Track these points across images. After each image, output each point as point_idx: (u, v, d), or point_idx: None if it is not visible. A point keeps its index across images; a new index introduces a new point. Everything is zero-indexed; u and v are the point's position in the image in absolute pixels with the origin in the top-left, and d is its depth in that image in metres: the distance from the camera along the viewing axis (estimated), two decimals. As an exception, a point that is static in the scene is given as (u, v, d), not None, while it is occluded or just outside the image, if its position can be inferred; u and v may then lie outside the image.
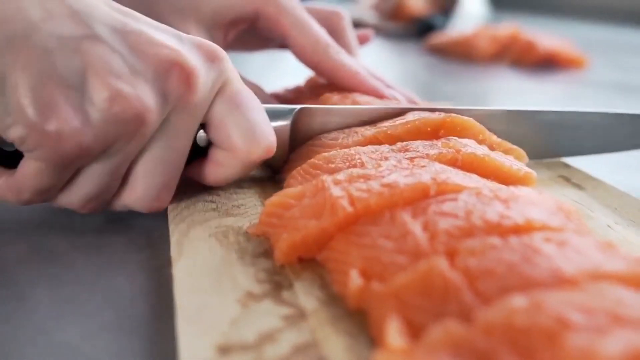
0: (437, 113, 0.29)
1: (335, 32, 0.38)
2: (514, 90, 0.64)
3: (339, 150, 0.26)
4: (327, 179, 0.22)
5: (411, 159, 0.24)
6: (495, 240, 0.18)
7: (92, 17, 0.21)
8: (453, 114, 0.28)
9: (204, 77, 0.23)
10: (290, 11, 0.34)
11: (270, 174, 0.29)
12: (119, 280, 0.23)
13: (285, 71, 0.41)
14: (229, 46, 0.37)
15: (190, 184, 0.27)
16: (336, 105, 0.31)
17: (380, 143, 0.27)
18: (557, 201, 0.22)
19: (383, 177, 0.22)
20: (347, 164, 0.25)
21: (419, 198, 0.21)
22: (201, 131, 0.25)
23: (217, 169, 0.25)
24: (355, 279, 0.18)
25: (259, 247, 0.23)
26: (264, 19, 0.35)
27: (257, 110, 0.25)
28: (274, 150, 0.25)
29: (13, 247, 0.25)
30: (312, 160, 0.26)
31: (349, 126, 0.29)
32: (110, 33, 0.21)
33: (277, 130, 0.27)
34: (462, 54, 0.80)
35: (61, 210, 0.28)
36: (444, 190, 0.21)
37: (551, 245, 0.18)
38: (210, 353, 0.17)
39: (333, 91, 0.35)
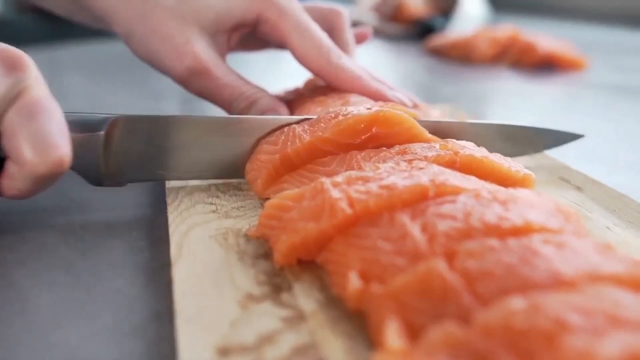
0: (364, 108, 0.28)
1: (334, 30, 0.37)
2: (513, 92, 0.65)
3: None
4: (326, 181, 0.22)
5: (409, 160, 0.24)
6: (493, 242, 0.18)
7: None
8: (385, 109, 0.27)
9: None
10: (292, 15, 0.34)
11: (90, 184, 0.27)
12: (119, 282, 0.23)
13: (284, 73, 0.41)
14: (232, 50, 0.37)
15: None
16: (157, 114, 0.28)
17: (319, 149, 0.26)
18: (556, 203, 0.22)
19: (382, 179, 0.22)
20: (345, 166, 0.25)
21: (417, 200, 0.21)
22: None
23: (9, 182, 0.23)
24: (354, 281, 0.19)
25: (259, 249, 0.23)
26: (265, 23, 0.34)
27: (52, 121, 0.23)
28: (67, 164, 0.23)
29: (12, 249, 0.25)
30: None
31: (169, 136, 0.28)
32: None
33: (88, 140, 0.26)
34: (461, 56, 0.80)
35: (61, 212, 0.28)
36: (443, 192, 0.21)
37: (550, 247, 0.18)
38: (210, 354, 0.17)
39: (332, 92, 0.35)
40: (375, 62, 0.81)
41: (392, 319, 0.16)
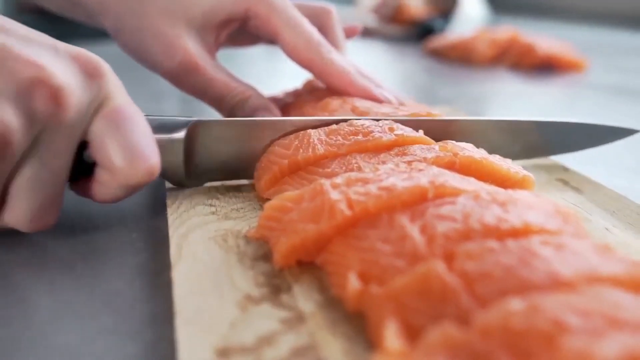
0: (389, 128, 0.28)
1: (324, 28, 0.38)
2: (513, 93, 0.65)
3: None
4: (326, 182, 0.22)
5: (409, 162, 0.24)
6: (492, 243, 0.18)
7: None
8: (405, 134, 0.27)
9: (78, 93, 0.22)
10: (281, 10, 0.34)
11: (172, 184, 0.28)
12: (119, 284, 0.23)
13: (283, 74, 0.41)
14: (222, 46, 0.37)
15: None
16: (237, 118, 0.30)
17: (328, 159, 0.26)
18: (555, 204, 0.22)
19: (381, 180, 0.22)
20: (344, 168, 0.25)
21: (417, 201, 0.21)
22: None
23: (101, 188, 0.24)
24: (353, 282, 0.19)
25: (258, 250, 0.23)
26: (254, 18, 0.34)
27: (141, 130, 0.23)
28: (157, 172, 0.23)
29: (12, 251, 0.25)
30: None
31: (252, 139, 0.29)
32: None
33: (169, 144, 0.26)
34: (461, 57, 0.80)
35: (61, 214, 0.28)
36: (442, 194, 0.21)
37: (548, 248, 0.18)
38: (209, 356, 0.17)
39: (332, 94, 0.35)
40: (375, 63, 0.81)
41: (391, 320, 0.17)
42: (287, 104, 0.37)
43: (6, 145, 0.20)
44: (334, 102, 0.33)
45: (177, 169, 0.27)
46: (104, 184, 0.24)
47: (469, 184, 0.22)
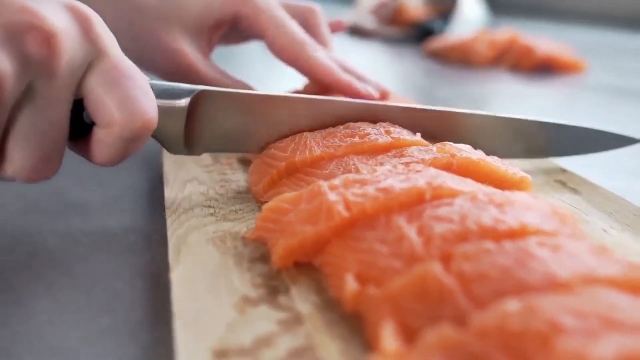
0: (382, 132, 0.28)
1: (310, 27, 0.39)
2: (512, 95, 0.65)
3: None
4: (323, 184, 0.22)
5: (406, 163, 0.24)
6: (489, 244, 0.18)
7: None
8: (401, 137, 0.27)
9: (70, 41, 0.21)
10: (267, 11, 0.35)
11: (169, 152, 0.28)
12: (117, 285, 0.23)
13: (283, 76, 0.41)
14: (215, 46, 0.38)
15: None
16: (240, 91, 0.29)
17: (326, 161, 0.26)
18: (552, 205, 0.22)
19: (379, 182, 0.22)
20: (342, 169, 0.25)
21: (414, 203, 0.21)
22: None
23: (99, 147, 0.24)
24: (350, 283, 0.19)
25: (256, 251, 0.23)
26: (243, 19, 0.36)
27: (138, 84, 0.23)
28: (154, 125, 0.23)
29: (12, 253, 0.25)
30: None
31: (255, 112, 0.29)
32: None
33: (171, 110, 0.26)
34: (460, 59, 0.81)
35: (60, 215, 0.28)
36: (439, 195, 0.21)
37: (545, 249, 0.18)
38: (207, 357, 0.17)
39: (330, 95, 0.35)
40: (374, 65, 0.81)
41: (389, 321, 0.17)
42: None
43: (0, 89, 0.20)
44: None
45: (177, 136, 0.27)
46: (102, 142, 0.23)
47: (467, 185, 0.22)
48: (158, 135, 0.27)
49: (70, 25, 0.22)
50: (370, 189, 0.21)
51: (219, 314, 0.19)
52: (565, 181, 0.32)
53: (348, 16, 1.11)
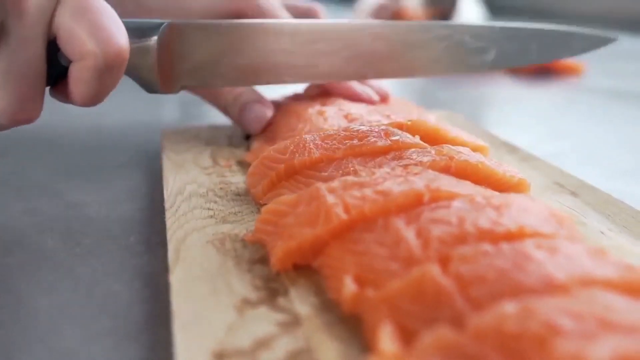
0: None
1: None
2: (511, 97, 0.65)
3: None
4: (322, 186, 0.22)
5: (405, 166, 0.25)
6: (487, 247, 0.18)
7: None
8: (400, 139, 0.27)
9: None
10: (270, 10, 0.35)
11: (146, 91, 0.28)
12: (117, 287, 0.23)
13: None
14: None
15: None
16: (211, 22, 0.29)
17: (325, 163, 0.27)
18: (550, 208, 0.22)
19: (377, 184, 0.22)
20: (341, 172, 0.25)
21: (412, 205, 0.21)
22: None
23: (77, 85, 0.24)
24: (349, 285, 0.19)
25: (256, 254, 0.23)
26: (245, 18, 0.36)
27: (106, 15, 0.23)
28: (126, 52, 0.24)
29: (11, 254, 0.25)
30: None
31: (227, 43, 0.28)
32: None
33: (143, 47, 0.26)
34: (459, 61, 0.81)
35: (59, 217, 0.28)
36: (438, 198, 0.21)
37: (542, 251, 0.18)
38: (206, 359, 0.17)
39: (331, 100, 0.36)
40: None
41: (387, 322, 0.17)
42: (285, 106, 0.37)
43: None
44: (329, 109, 0.34)
45: (151, 73, 0.27)
46: (79, 78, 0.24)
47: (465, 187, 0.22)
48: (132, 74, 0.26)
49: None
50: (368, 192, 0.21)
51: (218, 315, 0.19)
52: (563, 183, 0.32)
53: (347, 18, 1.11)
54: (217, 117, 0.39)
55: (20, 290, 0.22)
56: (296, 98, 0.39)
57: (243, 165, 0.33)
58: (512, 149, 0.38)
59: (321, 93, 0.37)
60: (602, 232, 0.26)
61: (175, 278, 0.21)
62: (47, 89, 0.25)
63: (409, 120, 0.30)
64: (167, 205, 0.28)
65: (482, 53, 0.32)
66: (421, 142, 0.28)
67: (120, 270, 0.24)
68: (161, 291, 0.22)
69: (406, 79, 0.60)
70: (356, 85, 0.36)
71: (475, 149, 0.30)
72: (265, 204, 0.24)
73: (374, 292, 0.18)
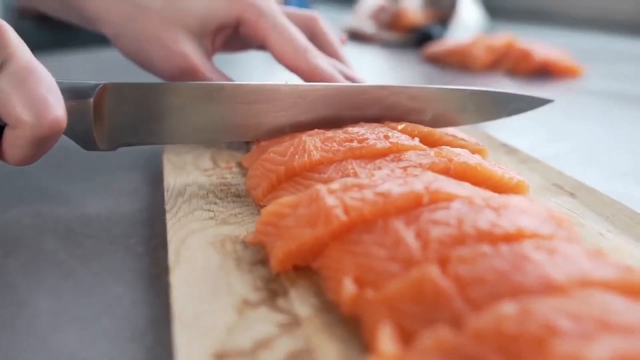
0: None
1: (315, 34, 0.39)
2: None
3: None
4: (322, 188, 0.22)
5: (404, 168, 0.25)
6: (486, 248, 0.18)
7: None
8: (399, 141, 0.27)
9: None
10: (270, 16, 0.36)
11: (84, 149, 0.29)
12: (118, 288, 0.23)
13: (282, 80, 0.42)
14: (217, 51, 0.39)
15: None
16: (144, 82, 0.30)
17: (325, 165, 0.27)
18: (549, 209, 0.22)
19: (377, 186, 0.22)
20: (341, 173, 0.25)
21: (411, 206, 0.21)
22: None
23: (11, 148, 0.24)
24: (348, 287, 0.19)
25: (256, 255, 0.23)
26: (245, 24, 0.36)
27: (44, 83, 0.23)
28: (63, 124, 0.24)
29: (12, 256, 0.25)
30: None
31: (161, 102, 0.29)
32: None
33: (78, 107, 0.27)
34: (459, 63, 0.81)
35: (60, 218, 0.28)
36: (437, 199, 0.21)
37: (541, 253, 0.18)
38: (206, 359, 0.17)
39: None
40: (373, 69, 0.81)
41: (386, 323, 0.17)
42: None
43: None
44: None
45: (88, 133, 0.28)
46: (13, 143, 0.24)
47: (464, 189, 0.23)
48: (69, 134, 0.27)
49: None
50: (368, 193, 0.21)
51: (218, 316, 0.19)
52: (561, 185, 0.32)
53: (347, 20, 1.12)
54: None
55: (21, 292, 0.22)
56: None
57: (243, 167, 0.33)
58: (510, 151, 0.38)
59: None
60: (601, 234, 0.26)
61: (176, 279, 0.21)
62: None
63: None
64: (167, 206, 0.28)
65: (419, 114, 0.34)
66: (420, 144, 0.28)
67: (120, 271, 0.24)
68: (162, 292, 0.22)
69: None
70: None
71: (474, 151, 0.30)
72: (265, 206, 0.24)
73: (374, 293, 0.18)
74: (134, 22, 0.35)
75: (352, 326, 0.19)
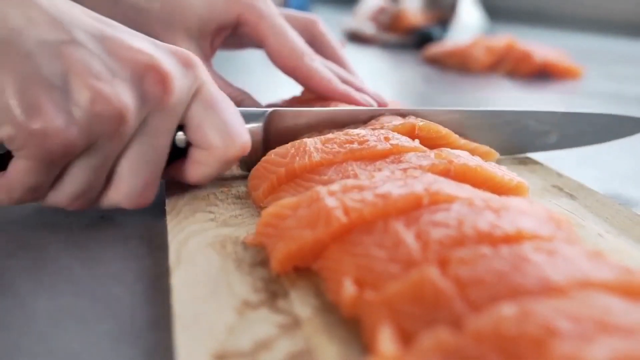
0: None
1: (315, 36, 0.40)
2: (509, 100, 0.65)
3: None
4: (322, 189, 0.22)
5: (404, 169, 0.25)
6: (485, 249, 0.18)
7: (72, 24, 0.23)
8: (399, 143, 0.28)
9: (179, 80, 0.24)
10: (269, 19, 0.36)
11: (247, 172, 0.31)
12: (118, 289, 0.23)
13: (282, 82, 0.42)
14: (215, 51, 0.39)
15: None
16: (306, 108, 0.32)
17: (325, 167, 0.27)
18: (548, 210, 0.22)
19: (377, 187, 0.22)
20: (341, 175, 0.25)
21: (411, 208, 0.21)
22: (180, 133, 0.26)
23: (197, 167, 0.26)
24: (348, 288, 0.19)
25: (256, 256, 0.23)
26: (244, 25, 0.36)
27: (232, 112, 0.26)
28: (249, 148, 0.26)
29: (14, 257, 0.25)
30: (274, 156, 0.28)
31: (319, 128, 0.32)
32: (89, 38, 0.23)
33: (251, 131, 0.29)
34: (458, 65, 0.81)
35: (61, 220, 0.28)
36: (437, 200, 0.21)
37: (541, 254, 0.18)
38: (206, 361, 0.17)
39: (331, 103, 0.36)
40: (373, 71, 0.81)
41: (386, 324, 0.17)
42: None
43: (122, 123, 0.23)
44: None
45: (256, 154, 0.30)
46: (201, 163, 0.26)
47: (464, 191, 0.23)
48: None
49: (176, 66, 0.25)
50: (368, 195, 0.22)
51: (219, 317, 0.19)
52: (561, 186, 0.32)
53: (347, 22, 1.12)
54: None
55: (22, 293, 0.23)
56: (295, 101, 0.39)
57: (244, 169, 0.33)
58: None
59: (319, 97, 0.37)
60: (600, 235, 0.26)
61: (176, 280, 0.21)
62: None
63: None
64: (168, 208, 0.28)
65: (544, 135, 0.35)
66: (420, 146, 0.28)
67: (121, 272, 0.24)
68: (162, 293, 0.22)
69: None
70: (354, 93, 0.36)
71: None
72: (266, 207, 0.24)
73: (374, 294, 0.18)
74: (133, 25, 0.35)
75: (352, 327, 0.19)
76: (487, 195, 0.23)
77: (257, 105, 0.37)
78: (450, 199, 0.22)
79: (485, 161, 0.27)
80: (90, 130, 0.22)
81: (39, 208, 0.30)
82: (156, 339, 0.20)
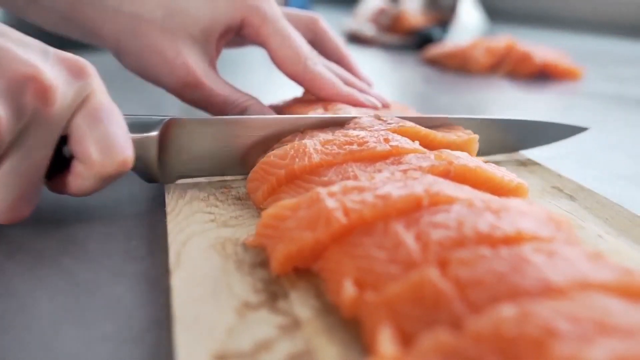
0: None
1: (317, 34, 0.40)
2: (509, 101, 0.65)
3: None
4: (322, 191, 0.22)
5: (404, 170, 0.25)
6: (485, 250, 0.18)
7: None
8: (398, 144, 0.28)
9: (62, 91, 0.23)
10: (273, 22, 0.35)
11: (145, 181, 0.30)
12: (119, 290, 0.23)
13: (283, 83, 0.42)
14: (220, 53, 0.38)
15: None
16: (210, 117, 0.31)
17: (325, 168, 0.27)
18: (548, 212, 0.22)
19: (377, 188, 0.22)
20: (341, 176, 0.25)
21: (411, 209, 0.21)
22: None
23: (77, 180, 0.25)
24: (348, 289, 0.19)
25: (256, 257, 0.23)
26: (248, 27, 0.36)
27: (117, 125, 0.25)
28: (130, 164, 0.25)
29: (13, 258, 0.25)
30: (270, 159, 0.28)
31: (233, 136, 0.30)
32: None
33: (144, 141, 0.28)
34: (459, 66, 0.81)
35: (61, 221, 0.29)
36: (437, 202, 0.21)
37: (540, 255, 0.18)
38: (207, 361, 0.17)
39: (330, 104, 0.36)
40: (373, 72, 0.82)
41: (386, 325, 0.17)
42: (285, 112, 0.38)
43: None
44: (319, 109, 0.34)
45: (151, 166, 0.28)
46: (80, 176, 0.25)
47: (463, 192, 0.23)
48: (134, 168, 0.27)
49: (63, 76, 0.23)
50: (368, 196, 0.22)
51: (219, 318, 0.19)
52: (561, 187, 0.32)
53: (347, 23, 1.12)
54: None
55: (22, 294, 0.23)
56: (296, 102, 0.39)
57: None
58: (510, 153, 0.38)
59: (320, 98, 0.37)
60: (600, 236, 0.26)
61: (176, 281, 0.21)
62: None
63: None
64: (168, 209, 0.28)
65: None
66: (420, 147, 0.28)
67: (121, 273, 0.24)
68: (162, 294, 0.22)
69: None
70: (357, 94, 0.36)
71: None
72: (266, 209, 0.24)
73: (374, 296, 0.18)
74: (134, 34, 0.34)
75: (352, 328, 0.19)
76: (487, 196, 0.23)
77: (265, 110, 0.36)
78: (450, 200, 0.22)
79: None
80: None
81: (38, 209, 0.30)
82: (156, 340, 0.20)
